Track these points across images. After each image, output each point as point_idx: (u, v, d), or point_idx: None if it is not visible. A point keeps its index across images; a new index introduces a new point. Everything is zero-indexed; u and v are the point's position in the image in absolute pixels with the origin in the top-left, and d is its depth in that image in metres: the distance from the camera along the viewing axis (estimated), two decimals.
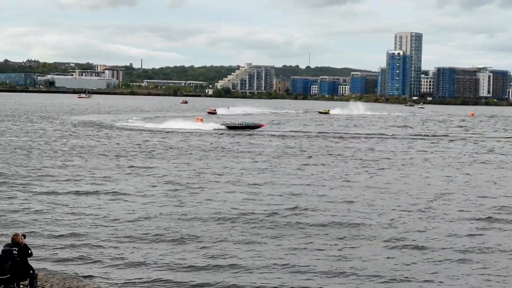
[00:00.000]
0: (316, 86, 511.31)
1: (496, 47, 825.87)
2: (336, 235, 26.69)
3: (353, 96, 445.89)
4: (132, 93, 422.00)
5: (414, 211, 32.06)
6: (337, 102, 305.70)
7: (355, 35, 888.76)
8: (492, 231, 28.03)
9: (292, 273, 21.32)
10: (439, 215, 31.08)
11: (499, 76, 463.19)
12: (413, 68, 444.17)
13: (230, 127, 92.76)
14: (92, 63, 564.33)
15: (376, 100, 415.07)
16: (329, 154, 60.50)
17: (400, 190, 38.91)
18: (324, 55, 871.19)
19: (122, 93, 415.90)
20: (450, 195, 37.16)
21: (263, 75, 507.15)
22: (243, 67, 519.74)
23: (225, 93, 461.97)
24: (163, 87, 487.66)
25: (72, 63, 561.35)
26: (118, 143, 66.68)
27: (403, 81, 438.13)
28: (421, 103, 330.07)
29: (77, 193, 35.01)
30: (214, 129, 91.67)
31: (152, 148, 62.55)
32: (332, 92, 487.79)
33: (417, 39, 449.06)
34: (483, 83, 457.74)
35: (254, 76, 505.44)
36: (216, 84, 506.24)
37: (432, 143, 77.45)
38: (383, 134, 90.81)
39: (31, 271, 15.91)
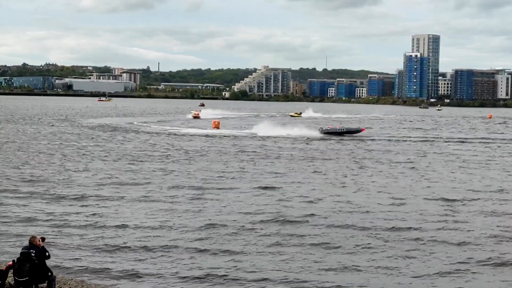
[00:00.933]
0: (333, 88, 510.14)
1: None
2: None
3: (370, 98, 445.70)
4: (149, 96, 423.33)
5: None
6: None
7: (373, 38, 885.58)
8: None
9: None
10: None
11: None
12: (430, 70, 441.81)
13: (330, 133, 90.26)
14: (110, 67, 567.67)
15: (393, 103, 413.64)
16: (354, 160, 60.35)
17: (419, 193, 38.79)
18: (341, 58, 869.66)
19: (139, 96, 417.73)
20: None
21: (280, 78, 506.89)
22: (260, 69, 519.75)
23: (242, 96, 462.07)
24: (180, 90, 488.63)
25: (90, 66, 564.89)
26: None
27: (420, 83, 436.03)
28: (438, 105, 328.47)
29: (99, 197, 34.96)
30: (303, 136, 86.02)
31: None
32: (349, 95, 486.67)
33: (434, 41, 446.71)
34: (501, 85, 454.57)
35: (271, 78, 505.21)
36: (233, 87, 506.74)
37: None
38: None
39: (49, 273, 15.97)
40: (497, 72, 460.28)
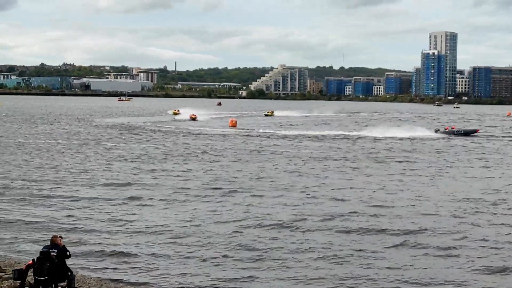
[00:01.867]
0: (350, 86, 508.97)
1: None
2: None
3: (388, 96, 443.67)
4: (167, 96, 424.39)
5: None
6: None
7: (390, 36, 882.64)
8: None
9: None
10: None
11: None
12: (448, 68, 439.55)
13: (447, 133, 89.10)
14: (127, 66, 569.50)
15: (410, 100, 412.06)
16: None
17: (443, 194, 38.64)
18: (358, 56, 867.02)
19: (156, 96, 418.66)
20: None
21: (297, 76, 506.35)
22: (277, 68, 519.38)
23: (258, 94, 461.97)
24: (197, 89, 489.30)
25: (107, 66, 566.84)
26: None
27: (438, 81, 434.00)
28: (456, 103, 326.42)
29: (121, 197, 35.09)
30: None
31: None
32: (366, 93, 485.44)
33: (452, 38, 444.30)
34: None
35: (287, 77, 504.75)
36: (249, 85, 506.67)
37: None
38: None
39: (69, 273, 16.04)
40: None
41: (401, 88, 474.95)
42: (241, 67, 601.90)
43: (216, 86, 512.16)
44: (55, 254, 15.70)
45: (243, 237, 26.24)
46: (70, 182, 40.05)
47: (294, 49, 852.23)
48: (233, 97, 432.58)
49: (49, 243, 16.24)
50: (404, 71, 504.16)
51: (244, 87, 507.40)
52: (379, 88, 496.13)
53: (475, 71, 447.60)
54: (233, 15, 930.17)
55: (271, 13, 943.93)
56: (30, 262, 15.85)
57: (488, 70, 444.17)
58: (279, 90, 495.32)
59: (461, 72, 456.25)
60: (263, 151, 62.92)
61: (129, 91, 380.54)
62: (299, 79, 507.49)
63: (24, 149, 59.80)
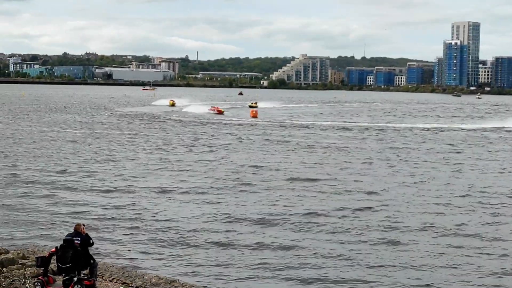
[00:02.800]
0: (371, 76, 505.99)
1: None
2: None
3: (409, 86, 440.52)
4: (188, 85, 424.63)
5: None
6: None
7: (412, 26, 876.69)
8: None
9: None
10: None
11: None
12: (470, 58, 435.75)
13: None
14: (149, 56, 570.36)
15: (432, 91, 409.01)
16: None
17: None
18: (380, 46, 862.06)
19: (178, 85, 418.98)
20: None
21: (318, 66, 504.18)
22: (298, 58, 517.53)
23: (280, 84, 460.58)
24: (219, 78, 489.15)
25: (129, 55, 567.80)
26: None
27: (460, 71, 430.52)
28: (478, 93, 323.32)
29: (145, 188, 35.23)
30: None
31: None
32: (388, 83, 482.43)
33: (474, 28, 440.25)
34: None
35: (309, 67, 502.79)
36: (271, 75, 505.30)
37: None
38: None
39: (92, 261, 16.19)
40: None
41: (423, 78, 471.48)
42: (263, 56, 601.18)
43: (238, 75, 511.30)
44: (78, 242, 15.87)
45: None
46: (96, 172, 40.40)
47: (315, 39, 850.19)
48: (254, 87, 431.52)
49: (72, 230, 16.46)
50: (427, 61, 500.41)
51: (266, 77, 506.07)
52: (401, 78, 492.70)
53: (498, 61, 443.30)
54: (255, 4, 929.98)
55: (292, 3, 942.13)
56: (53, 249, 16.03)
57: (511, 61, 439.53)
58: (300, 80, 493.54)
59: (483, 63, 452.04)
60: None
61: (151, 81, 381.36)
62: (321, 69, 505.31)
63: (56, 142, 60.39)
